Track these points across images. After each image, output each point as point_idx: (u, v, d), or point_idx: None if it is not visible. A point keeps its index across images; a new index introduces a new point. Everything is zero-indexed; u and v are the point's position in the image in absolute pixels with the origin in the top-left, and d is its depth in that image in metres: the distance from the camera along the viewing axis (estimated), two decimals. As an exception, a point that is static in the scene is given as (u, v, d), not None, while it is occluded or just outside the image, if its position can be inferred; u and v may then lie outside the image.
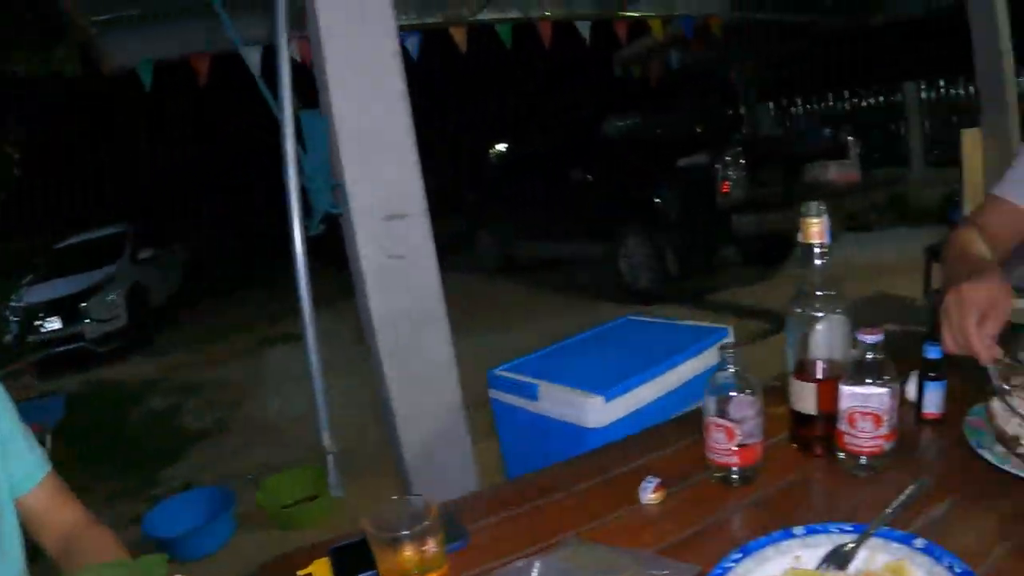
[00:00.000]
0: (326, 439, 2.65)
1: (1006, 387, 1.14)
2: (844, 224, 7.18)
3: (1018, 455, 1.08)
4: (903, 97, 11.07)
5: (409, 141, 2.33)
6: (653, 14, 8.22)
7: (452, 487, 1.84)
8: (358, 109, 2.25)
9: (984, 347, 1.13)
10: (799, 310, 1.20)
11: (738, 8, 8.75)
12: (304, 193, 2.40)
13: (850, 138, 7.11)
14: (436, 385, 2.39)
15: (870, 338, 1.10)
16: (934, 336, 1.23)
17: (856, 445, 1.13)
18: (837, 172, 6.62)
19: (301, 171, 2.39)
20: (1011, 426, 1.11)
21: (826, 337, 1.19)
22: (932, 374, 1.27)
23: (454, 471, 2.41)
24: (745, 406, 1.15)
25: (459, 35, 6.93)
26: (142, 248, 9.95)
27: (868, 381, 1.10)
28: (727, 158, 5.90)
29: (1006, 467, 1.06)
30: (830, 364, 1.20)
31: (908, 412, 1.30)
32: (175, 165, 17.46)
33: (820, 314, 1.18)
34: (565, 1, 7.47)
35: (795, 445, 1.27)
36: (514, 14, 7.27)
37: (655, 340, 2.35)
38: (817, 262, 1.18)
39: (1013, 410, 1.11)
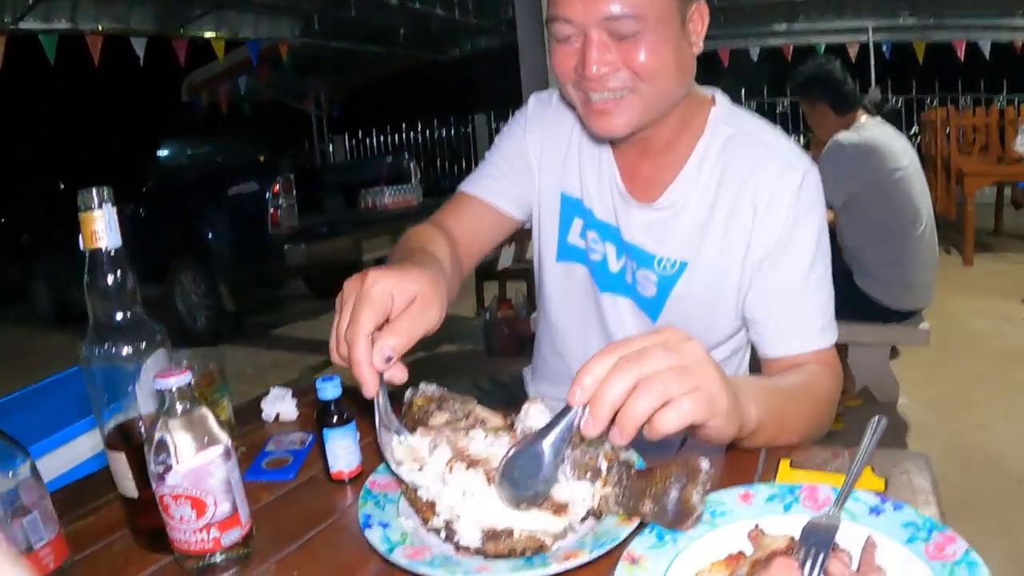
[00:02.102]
0: None
1: (398, 433, 0.82)
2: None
3: (433, 530, 0.78)
4: (473, 127, 11.67)
5: None
6: (215, 35, 7.75)
7: None
8: None
9: (367, 367, 0.77)
10: (94, 349, 0.79)
11: (307, 35, 8.61)
12: None
13: (412, 164, 7.20)
14: None
15: (170, 381, 0.72)
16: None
17: (183, 541, 0.75)
18: (393, 197, 6.62)
19: None
20: (428, 487, 0.79)
21: (144, 386, 0.80)
22: (334, 419, 0.95)
23: None
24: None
25: (-3, 45, 5.87)
26: None
27: (169, 448, 0.72)
28: (277, 186, 5.54)
29: (394, 559, 0.74)
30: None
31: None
32: None
33: (126, 351, 0.78)
34: (121, 15, 6.70)
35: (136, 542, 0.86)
36: (62, 25, 6.37)
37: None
38: (110, 279, 0.78)
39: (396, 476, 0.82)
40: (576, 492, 0.77)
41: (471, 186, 1.36)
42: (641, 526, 0.76)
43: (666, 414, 0.69)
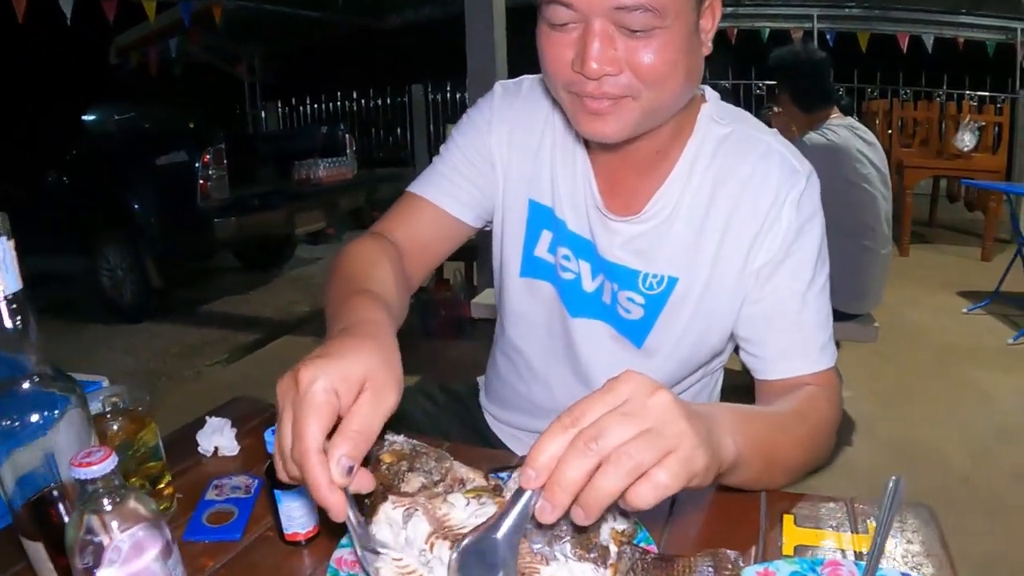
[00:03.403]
0: None
1: (376, 549, 0.69)
2: (345, 222, 7.02)
3: None
4: (410, 98, 11.36)
5: None
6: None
7: None
8: None
9: (326, 489, 0.63)
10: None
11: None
12: None
13: (347, 135, 7.01)
14: None
15: (92, 471, 0.58)
16: None
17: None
18: (327, 169, 6.43)
19: None
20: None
21: (61, 450, 0.65)
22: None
23: None
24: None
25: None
26: None
27: (95, 551, 0.58)
28: (207, 156, 5.28)
29: None
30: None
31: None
32: None
33: (34, 417, 0.64)
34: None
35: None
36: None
37: None
38: (8, 328, 0.63)
39: None
40: (580, 575, 0.66)
41: (422, 187, 1.19)
42: None
43: (640, 490, 0.59)
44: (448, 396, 1.46)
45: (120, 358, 4.76)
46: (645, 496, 0.59)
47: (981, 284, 5.18)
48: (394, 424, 0.76)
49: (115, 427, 0.87)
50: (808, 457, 0.97)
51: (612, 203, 1.10)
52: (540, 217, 1.16)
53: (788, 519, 0.87)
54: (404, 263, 1.10)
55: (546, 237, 1.17)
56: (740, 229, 1.04)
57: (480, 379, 1.48)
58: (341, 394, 0.66)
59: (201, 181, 5.27)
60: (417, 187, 1.20)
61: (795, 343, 1.05)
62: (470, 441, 1.30)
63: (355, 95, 11.92)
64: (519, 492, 0.62)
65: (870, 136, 3.04)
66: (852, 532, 0.85)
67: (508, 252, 1.21)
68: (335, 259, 1.06)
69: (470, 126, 1.20)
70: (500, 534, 0.62)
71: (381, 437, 0.81)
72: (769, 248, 1.04)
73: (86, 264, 5.91)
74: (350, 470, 0.64)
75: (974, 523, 2.43)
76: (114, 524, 0.59)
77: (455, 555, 0.64)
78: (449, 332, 4.65)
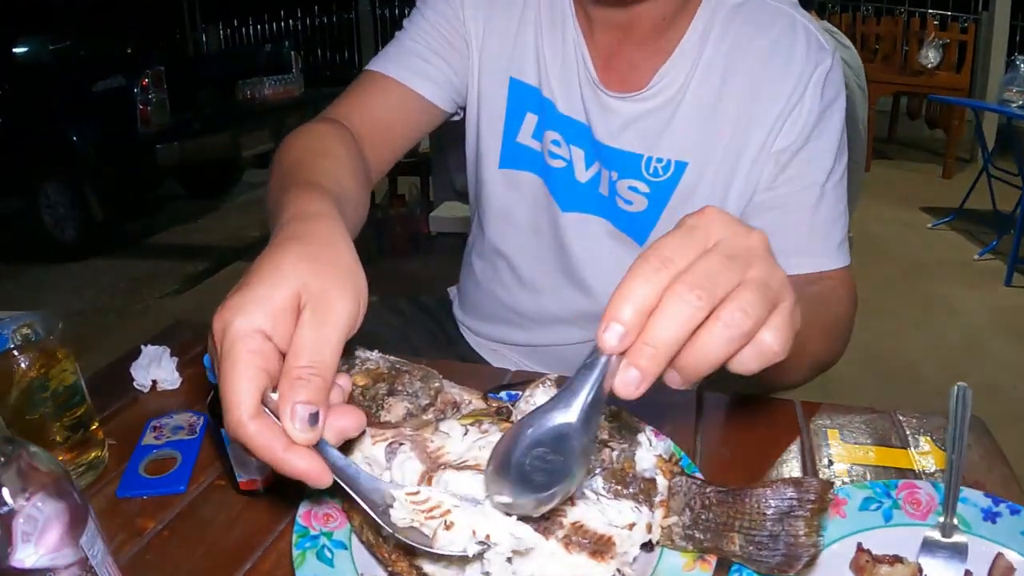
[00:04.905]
0: None
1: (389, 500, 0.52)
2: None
3: None
4: (357, 15, 10.94)
5: None
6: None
7: None
8: None
9: (288, 457, 0.48)
10: None
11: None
12: None
13: (293, 52, 6.75)
14: None
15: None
16: None
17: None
18: (274, 87, 6.21)
19: None
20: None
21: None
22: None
23: None
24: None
25: None
26: None
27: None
28: (146, 80, 5.03)
29: None
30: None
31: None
32: None
33: None
34: None
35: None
36: None
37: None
38: None
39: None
40: (618, 516, 0.53)
41: (386, 64, 1.04)
42: (722, 565, 0.55)
43: (745, 357, 0.45)
44: (416, 308, 1.34)
45: (66, 297, 4.56)
46: (749, 363, 0.46)
47: (943, 201, 5.17)
48: (359, 341, 0.61)
49: (24, 364, 0.71)
50: (828, 350, 0.91)
51: (609, 80, 0.98)
52: (523, 98, 1.03)
53: (833, 434, 0.81)
54: (364, 151, 0.93)
55: (530, 121, 1.04)
56: (759, 109, 0.94)
57: (451, 290, 1.36)
58: (272, 331, 0.50)
59: (141, 106, 5.03)
60: (379, 64, 1.04)
61: (812, 237, 0.96)
62: (444, 358, 1.16)
63: (299, 13, 11.46)
64: (592, 360, 0.45)
65: (846, 40, 2.91)
66: (904, 447, 0.79)
67: (485, 141, 1.08)
68: (276, 153, 0.87)
69: None
70: (574, 416, 0.44)
71: (351, 355, 0.66)
72: (790, 131, 0.94)
73: (26, 202, 5.67)
74: (314, 418, 0.48)
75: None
76: (5, 492, 0.43)
77: (512, 436, 0.46)
78: (406, 248, 4.49)
